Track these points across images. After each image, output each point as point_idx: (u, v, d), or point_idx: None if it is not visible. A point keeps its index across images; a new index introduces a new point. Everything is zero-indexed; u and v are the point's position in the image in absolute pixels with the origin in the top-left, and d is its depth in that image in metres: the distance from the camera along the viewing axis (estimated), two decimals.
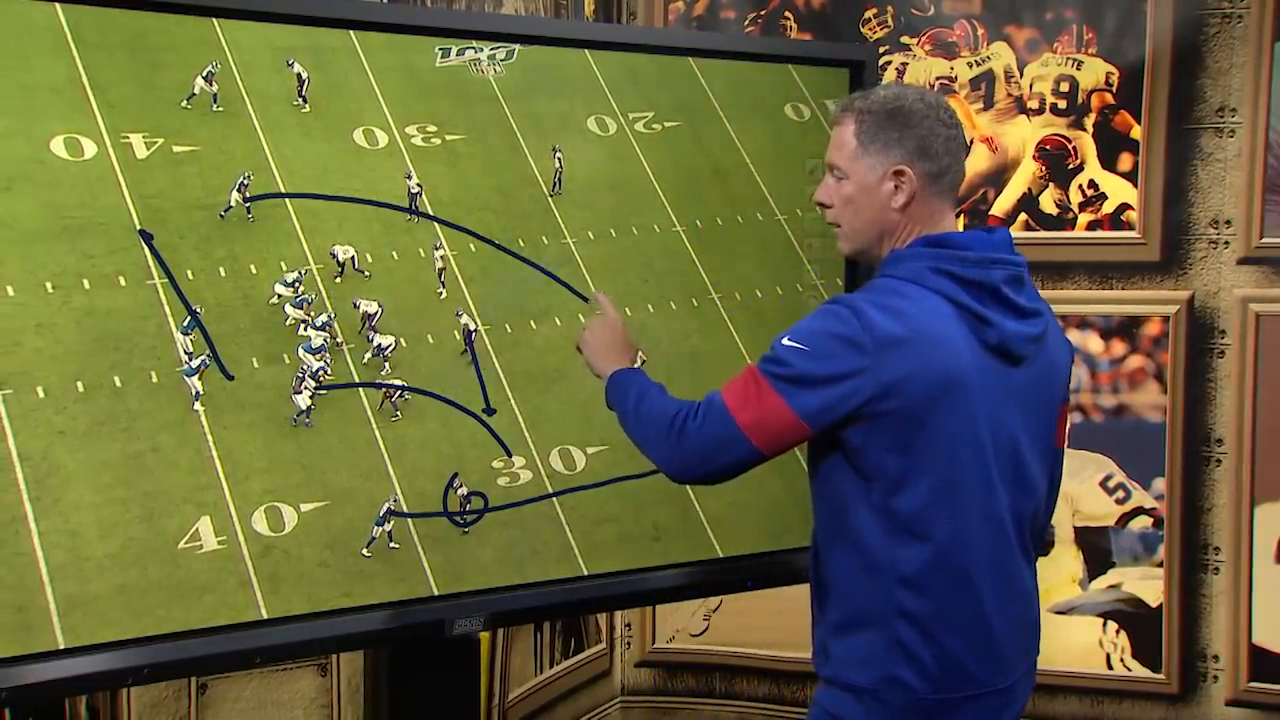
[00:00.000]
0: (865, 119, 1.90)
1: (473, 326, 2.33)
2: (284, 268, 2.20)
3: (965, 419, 1.81)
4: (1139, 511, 3.57)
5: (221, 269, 2.15)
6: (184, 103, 2.18)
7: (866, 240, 1.93)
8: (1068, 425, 2.08)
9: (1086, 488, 3.59)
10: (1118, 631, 3.59)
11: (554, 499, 2.33)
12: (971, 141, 3.62)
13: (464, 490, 2.25)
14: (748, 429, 1.81)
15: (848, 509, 1.86)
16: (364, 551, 2.14)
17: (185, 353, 2.07)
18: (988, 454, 1.84)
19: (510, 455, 2.32)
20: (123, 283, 2.07)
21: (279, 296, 2.18)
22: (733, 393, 1.83)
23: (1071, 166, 3.57)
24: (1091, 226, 3.57)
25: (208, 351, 2.09)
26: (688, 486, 2.43)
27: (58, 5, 2.07)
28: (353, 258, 2.26)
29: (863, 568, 1.85)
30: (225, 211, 2.18)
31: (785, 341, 1.81)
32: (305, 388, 2.15)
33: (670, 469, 1.89)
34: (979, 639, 1.85)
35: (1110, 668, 3.60)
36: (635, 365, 2.08)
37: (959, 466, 1.81)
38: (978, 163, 3.63)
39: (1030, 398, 1.90)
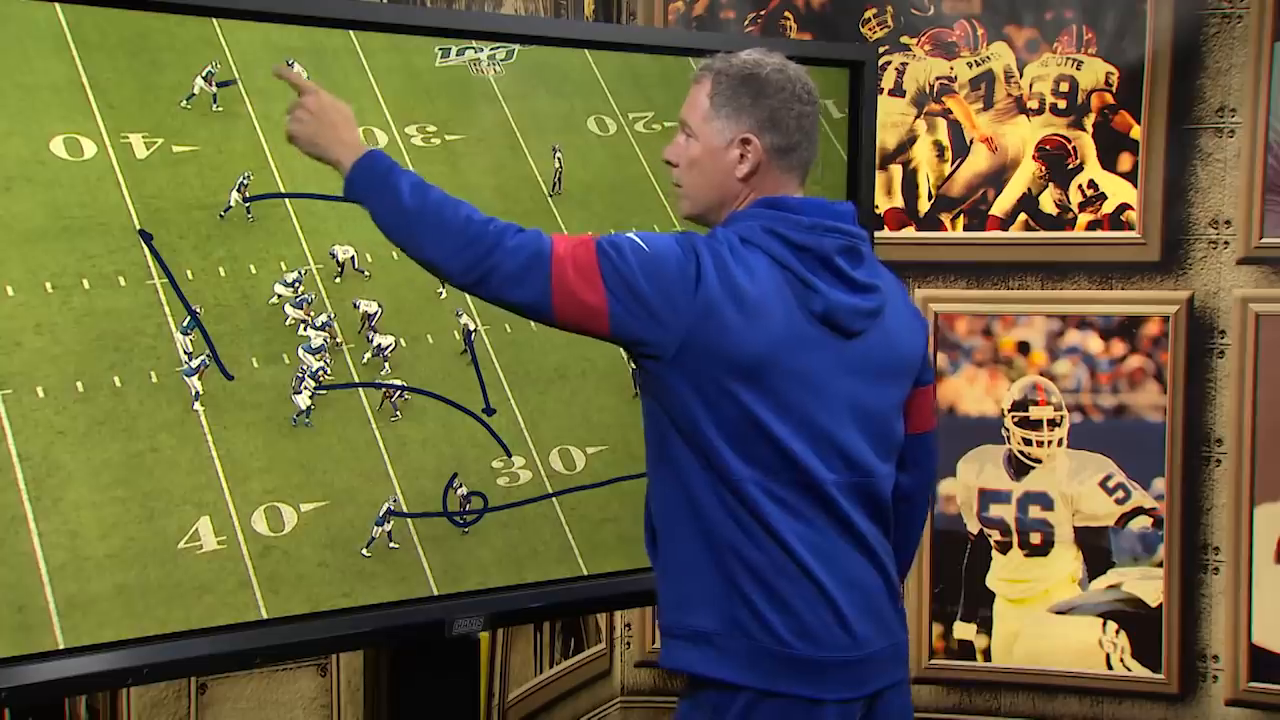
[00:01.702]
0: (721, 81, 1.85)
1: (472, 326, 2.33)
2: (284, 268, 2.20)
3: (762, 392, 1.76)
4: (1139, 511, 3.57)
5: (221, 269, 2.15)
6: (184, 103, 2.18)
7: (706, 204, 1.89)
8: (932, 408, 2.02)
9: (1086, 488, 3.60)
10: (1118, 631, 3.59)
11: (554, 499, 2.33)
12: (971, 142, 3.63)
13: (464, 490, 2.25)
14: (557, 285, 1.74)
15: (667, 442, 1.82)
16: (364, 551, 2.14)
17: (185, 353, 2.07)
18: (790, 426, 1.78)
19: (510, 455, 2.32)
20: (123, 283, 2.07)
21: (279, 296, 2.18)
22: (564, 245, 1.76)
23: (1071, 166, 3.58)
24: (1091, 226, 3.57)
25: (208, 351, 2.09)
26: None
27: (58, 5, 2.07)
28: (353, 258, 2.26)
29: (689, 505, 1.81)
30: (225, 211, 2.18)
31: (632, 235, 1.77)
32: (305, 388, 2.15)
33: (460, 274, 1.76)
34: (815, 600, 1.79)
35: (1110, 668, 3.60)
36: (372, 146, 1.87)
37: (752, 431, 1.77)
38: (978, 163, 3.63)
39: (860, 375, 1.84)
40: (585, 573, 2.33)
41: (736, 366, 1.75)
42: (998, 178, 3.62)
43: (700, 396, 1.77)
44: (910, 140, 3.64)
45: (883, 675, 1.87)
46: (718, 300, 1.74)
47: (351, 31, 2.32)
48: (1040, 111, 3.59)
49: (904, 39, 3.64)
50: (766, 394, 1.77)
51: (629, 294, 1.73)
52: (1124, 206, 3.55)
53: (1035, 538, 3.60)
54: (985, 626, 3.66)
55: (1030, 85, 3.59)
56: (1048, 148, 3.59)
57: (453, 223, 1.76)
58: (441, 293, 2.33)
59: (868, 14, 3.65)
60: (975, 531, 3.64)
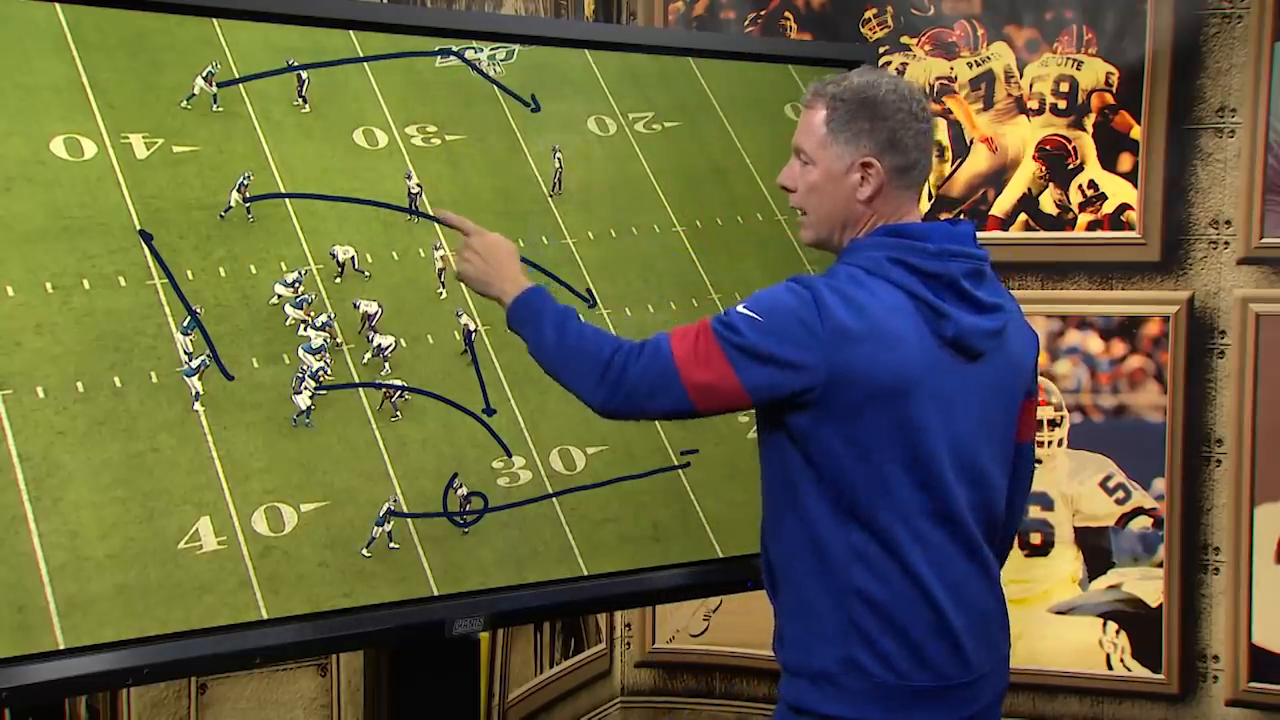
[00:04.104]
0: (837, 106, 1.86)
1: (473, 326, 2.33)
2: (284, 268, 2.20)
3: (909, 420, 1.79)
4: (1139, 512, 3.57)
5: (221, 269, 2.15)
6: (184, 103, 2.18)
7: (829, 228, 1.91)
8: (1035, 419, 2.07)
9: (1086, 488, 3.60)
10: (1118, 632, 3.59)
11: (554, 499, 2.33)
12: (971, 142, 3.63)
13: (464, 490, 2.25)
14: (689, 385, 1.79)
15: (797, 488, 1.85)
16: (364, 552, 2.14)
17: (185, 353, 2.07)
18: (938, 452, 1.82)
19: (510, 455, 2.31)
20: (123, 283, 2.07)
21: (279, 296, 2.18)
22: (682, 345, 1.81)
23: (1071, 167, 3.58)
24: (1091, 227, 3.57)
25: (208, 351, 2.09)
26: (687, 487, 2.43)
27: (58, 5, 2.07)
28: (353, 258, 2.26)
29: (813, 548, 1.85)
30: (225, 212, 2.18)
31: (741, 309, 1.80)
32: (305, 388, 2.14)
33: (600, 405, 1.86)
34: (936, 631, 1.84)
35: (1110, 668, 3.60)
36: (532, 283, 1.97)
37: (899, 464, 1.80)
38: (978, 163, 3.63)
39: (988, 394, 1.88)
40: (585, 573, 2.33)
41: (880, 391, 1.77)
42: (998, 178, 3.62)
43: (845, 435, 1.79)
44: None
45: (990, 689, 1.93)
46: (848, 328, 1.76)
47: (351, 31, 2.32)
48: (1040, 111, 3.59)
49: (904, 39, 3.64)
50: (908, 421, 1.79)
51: (755, 361, 1.77)
52: (1124, 207, 3.55)
53: (1035, 538, 3.60)
54: None
55: (1030, 85, 3.59)
56: (1048, 148, 3.59)
57: (584, 359, 1.85)
58: (441, 293, 2.33)
59: (868, 14, 3.65)
60: None
